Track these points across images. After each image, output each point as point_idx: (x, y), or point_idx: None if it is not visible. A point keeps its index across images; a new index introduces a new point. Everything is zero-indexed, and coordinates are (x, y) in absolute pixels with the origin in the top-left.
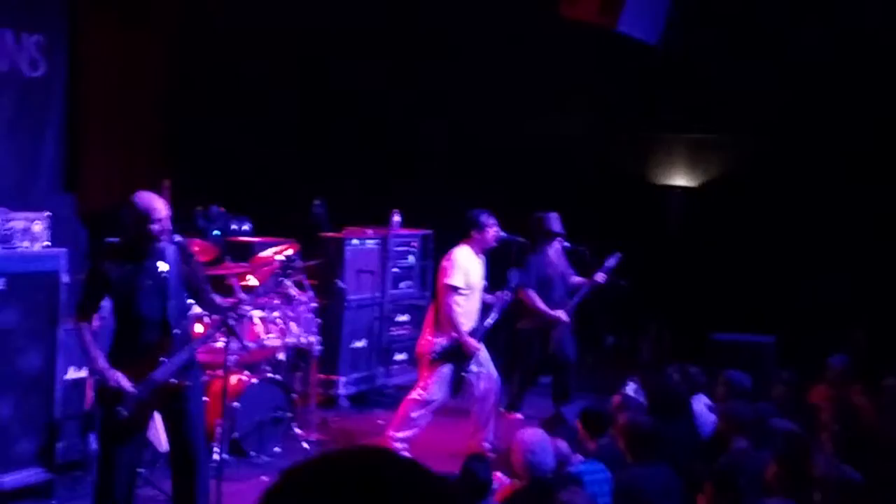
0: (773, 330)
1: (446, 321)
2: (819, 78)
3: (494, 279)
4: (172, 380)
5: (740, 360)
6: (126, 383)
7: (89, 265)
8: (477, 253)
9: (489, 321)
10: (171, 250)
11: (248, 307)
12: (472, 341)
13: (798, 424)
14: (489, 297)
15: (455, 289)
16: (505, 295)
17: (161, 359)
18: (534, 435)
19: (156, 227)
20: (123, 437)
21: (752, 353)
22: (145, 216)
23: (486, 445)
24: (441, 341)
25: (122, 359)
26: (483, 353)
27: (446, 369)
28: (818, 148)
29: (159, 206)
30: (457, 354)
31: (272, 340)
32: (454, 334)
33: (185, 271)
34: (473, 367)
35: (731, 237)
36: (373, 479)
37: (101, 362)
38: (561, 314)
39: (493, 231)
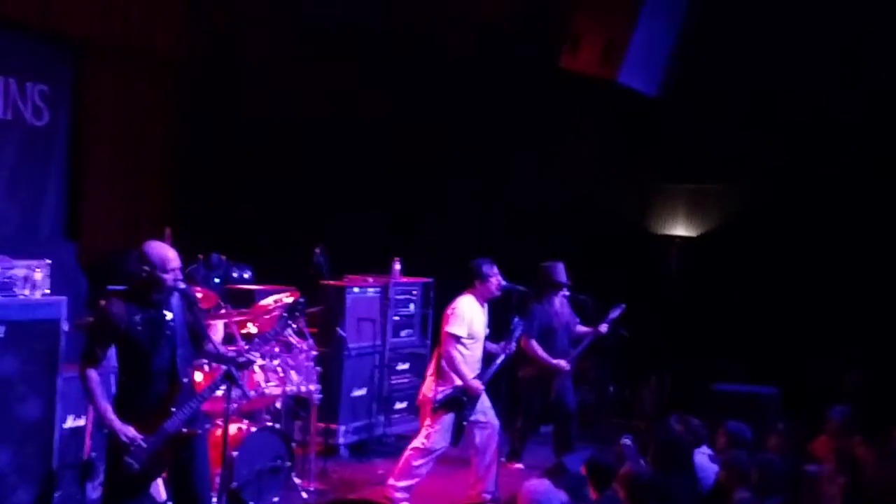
0: (775, 380)
1: (449, 370)
2: (817, 126)
3: (496, 327)
4: (183, 429)
5: (742, 411)
6: (137, 436)
7: (98, 311)
8: (480, 302)
9: (492, 370)
10: (175, 298)
11: (255, 354)
12: (476, 383)
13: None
14: (493, 347)
15: (458, 338)
16: (509, 346)
17: (171, 409)
18: (540, 485)
19: (169, 276)
20: (133, 489)
21: (754, 404)
22: (158, 266)
23: (487, 496)
24: (444, 390)
25: (131, 409)
26: (484, 402)
27: (448, 418)
28: (817, 195)
29: (172, 256)
30: (459, 403)
31: (272, 389)
32: (457, 382)
33: (189, 319)
34: (474, 417)
35: (732, 286)
36: None
37: (111, 414)
38: (562, 363)
39: (495, 280)
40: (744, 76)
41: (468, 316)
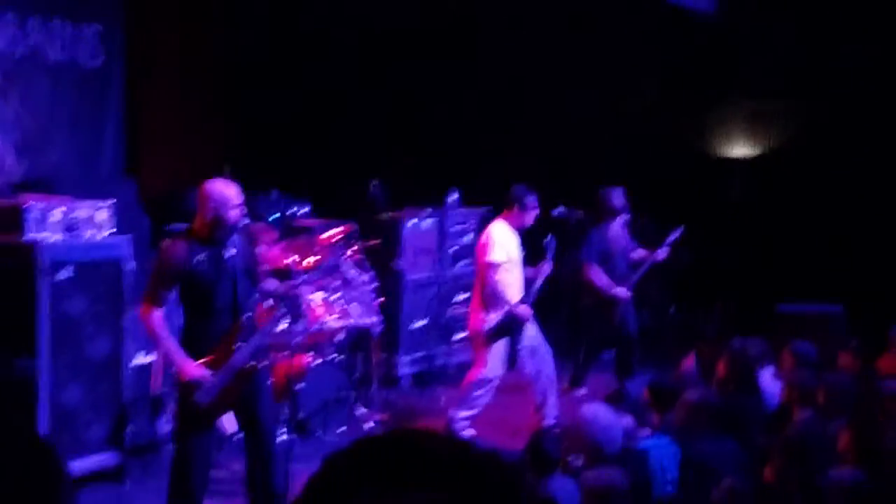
0: (840, 300)
1: (493, 297)
2: (883, 41)
3: (538, 252)
4: (248, 364)
5: (807, 331)
6: (205, 373)
7: (160, 251)
8: (513, 228)
9: (533, 293)
10: (235, 236)
11: (303, 286)
12: (524, 307)
13: (868, 395)
14: (529, 271)
15: (498, 265)
16: (545, 266)
17: (236, 344)
18: (601, 411)
19: (233, 213)
20: (202, 424)
21: (819, 324)
22: (221, 204)
23: (551, 422)
24: (492, 318)
25: (197, 346)
26: (532, 329)
27: (501, 344)
28: (880, 112)
29: (234, 194)
30: (509, 328)
31: (333, 322)
32: (504, 308)
33: (248, 255)
34: (525, 343)
35: (794, 207)
36: (418, 461)
37: (177, 354)
38: (621, 291)
39: (533, 213)
40: None
41: (503, 241)
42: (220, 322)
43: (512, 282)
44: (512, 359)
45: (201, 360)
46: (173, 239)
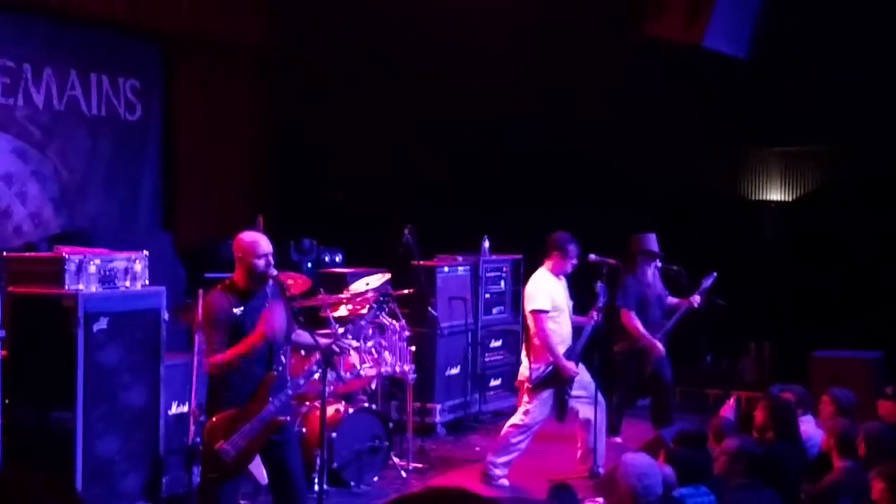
0: (878, 345)
1: (541, 347)
2: None
3: (584, 300)
4: (279, 416)
5: (844, 377)
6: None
7: (203, 303)
8: (556, 275)
9: (581, 342)
10: (270, 286)
11: (349, 340)
12: (570, 365)
13: None
14: (580, 319)
15: (544, 312)
16: (596, 315)
17: (269, 397)
18: (641, 459)
19: (260, 262)
20: (227, 474)
21: (856, 370)
22: (250, 252)
23: (601, 471)
24: (539, 367)
25: (228, 396)
26: (585, 377)
27: (547, 394)
28: None
29: (263, 243)
30: (557, 379)
31: (367, 370)
32: (551, 359)
33: (282, 306)
34: (575, 392)
35: (829, 251)
36: None
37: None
38: (658, 345)
39: (573, 261)
40: (835, 32)
41: (547, 289)
42: (253, 373)
43: (560, 330)
44: (561, 410)
45: (231, 411)
46: (210, 290)
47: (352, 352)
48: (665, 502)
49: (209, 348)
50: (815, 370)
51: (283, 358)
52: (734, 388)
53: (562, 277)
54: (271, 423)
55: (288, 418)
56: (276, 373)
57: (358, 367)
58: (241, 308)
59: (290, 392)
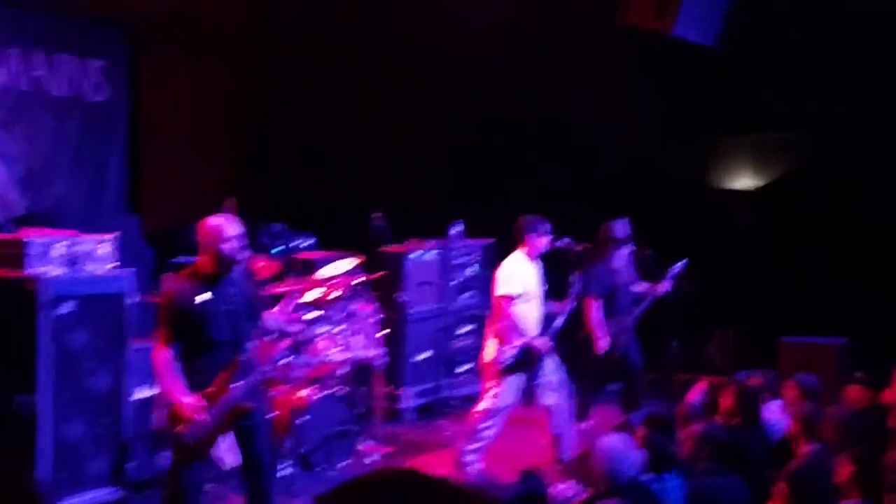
0: (845, 331)
1: (509, 330)
2: (883, 70)
3: (556, 287)
4: (244, 402)
5: (811, 363)
6: (196, 413)
7: (162, 289)
8: (531, 259)
9: (554, 330)
10: (238, 271)
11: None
12: (541, 340)
13: (871, 426)
14: (553, 306)
15: (511, 297)
16: (569, 303)
17: (232, 383)
18: (616, 442)
19: (226, 247)
20: (192, 458)
21: (823, 356)
22: (218, 238)
23: (567, 456)
24: (508, 350)
25: (193, 380)
26: (551, 363)
27: (514, 378)
28: (884, 141)
29: (228, 227)
30: (525, 363)
31: (336, 355)
32: (519, 342)
33: (249, 290)
34: (545, 377)
35: (798, 238)
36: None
37: (176, 391)
38: (601, 341)
39: (546, 237)
40: (803, 20)
41: (519, 273)
42: (218, 357)
43: (529, 315)
44: (529, 393)
45: (195, 395)
46: (175, 275)
47: (321, 335)
48: (633, 485)
49: (158, 335)
50: (783, 356)
51: (248, 344)
52: (701, 374)
53: (537, 261)
54: (234, 408)
55: (254, 404)
56: (241, 359)
57: (327, 351)
58: (208, 293)
59: (255, 378)
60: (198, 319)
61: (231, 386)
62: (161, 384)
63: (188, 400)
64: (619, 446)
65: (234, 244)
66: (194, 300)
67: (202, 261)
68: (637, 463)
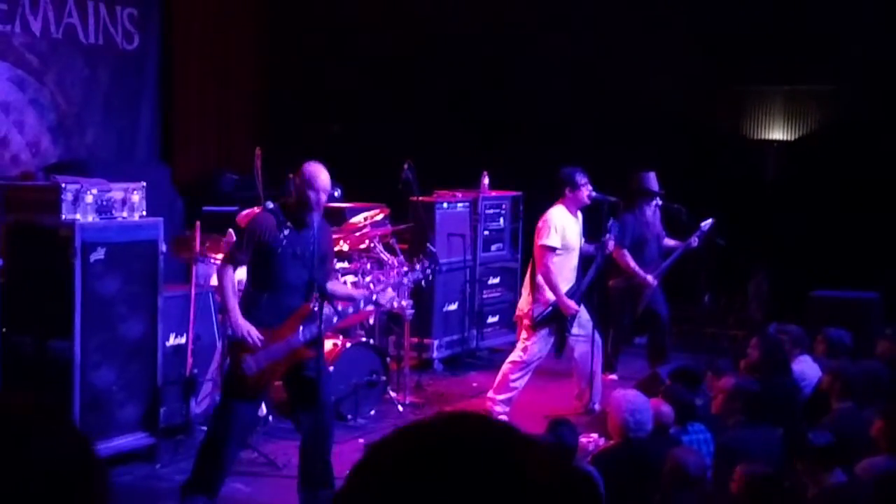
0: (876, 286)
1: (544, 283)
2: None
3: (589, 238)
4: (307, 347)
5: (842, 317)
6: (257, 337)
7: (252, 218)
8: (572, 212)
9: (587, 280)
10: (317, 220)
11: (388, 294)
12: (571, 303)
13: None
14: (589, 247)
15: (552, 249)
16: (607, 243)
17: (300, 325)
18: (633, 394)
19: (314, 196)
20: (246, 392)
21: (854, 310)
22: (308, 185)
23: (596, 407)
24: (541, 304)
25: (259, 316)
26: (584, 315)
27: (546, 331)
28: None
29: (322, 177)
30: (557, 317)
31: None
32: (553, 296)
33: (326, 240)
34: (574, 330)
35: (831, 191)
36: (465, 449)
37: (236, 313)
38: (649, 279)
39: (586, 189)
40: None
41: (560, 226)
42: (288, 299)
43: (565, 268)
44: (559, 346)
45: (260, 332)
46: (263, 210)
47: (349, 286)
48: (661, 440)
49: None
50: (814, 310)
51: (320, 290)
52: (732, 328)
53: (578, 214)
54: (296, 351)
55: (314, 353)
56: (310, 303)
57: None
58: (287, 232)
59: (322, 327)
60: (274, 255)
61: (299, 328)
62: (223, 301)
63: (253, 329)
64: (637, 399)
65: (321, 196)
66: (276, 235)
67: (292, 202)
68: (652, 417)
